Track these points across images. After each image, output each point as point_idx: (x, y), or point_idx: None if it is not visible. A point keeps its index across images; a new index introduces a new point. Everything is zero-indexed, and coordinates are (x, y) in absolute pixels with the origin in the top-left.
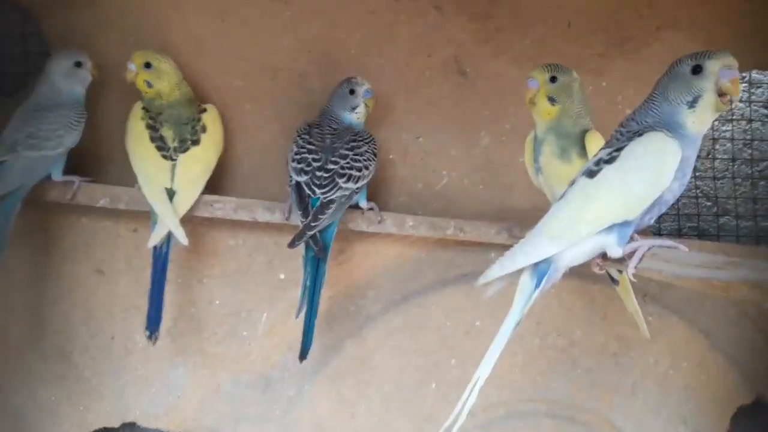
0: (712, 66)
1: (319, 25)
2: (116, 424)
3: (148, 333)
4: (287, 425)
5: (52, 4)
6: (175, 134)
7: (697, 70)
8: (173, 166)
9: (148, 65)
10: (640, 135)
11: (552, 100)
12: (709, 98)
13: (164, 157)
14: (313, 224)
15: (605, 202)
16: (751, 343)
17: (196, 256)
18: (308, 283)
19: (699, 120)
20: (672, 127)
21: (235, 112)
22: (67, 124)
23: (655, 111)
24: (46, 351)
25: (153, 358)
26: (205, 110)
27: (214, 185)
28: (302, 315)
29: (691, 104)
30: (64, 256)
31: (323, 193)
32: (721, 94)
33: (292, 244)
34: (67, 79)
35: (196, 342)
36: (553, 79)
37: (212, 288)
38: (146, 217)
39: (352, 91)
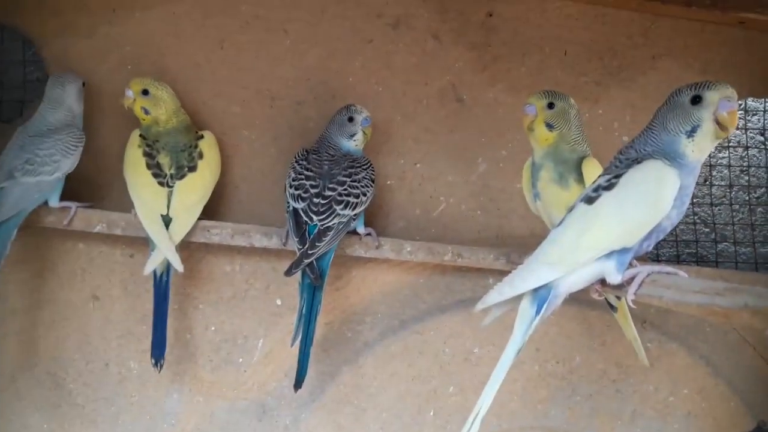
0: (712, 97)
1: (317, 53)
2: None
3: (153, 361)
4: None
5: (52, 32)
6: (172, 161)
7: (696, 100)
8: (169, 193)
9: (145, 92)
10: (639, 162)
11: (549, 126)
12: (707, 128)
13: (161, 183)
14: (310, 252)
15: (603, 229)
16: (752, 370)
17: (193, 281)
18: (304, 311)
19: (698, 149)
20: (671, 156)
21: (233, 139)
22: (64, 149)
23: (653, 140)
24: (39, 377)
25: (148, 384)
26: (202, 137)
27: (211, 211)
28: (297, 343)
29: (690, 134)
30: (61, 282)
31: (321, 220)
32: (719, 124)
33: (289, 272)
34: (78, 101)
35: (191, 368)
36: (550, 105)
37: (208, 314)
38: (143, 243)
39: (350, 119)
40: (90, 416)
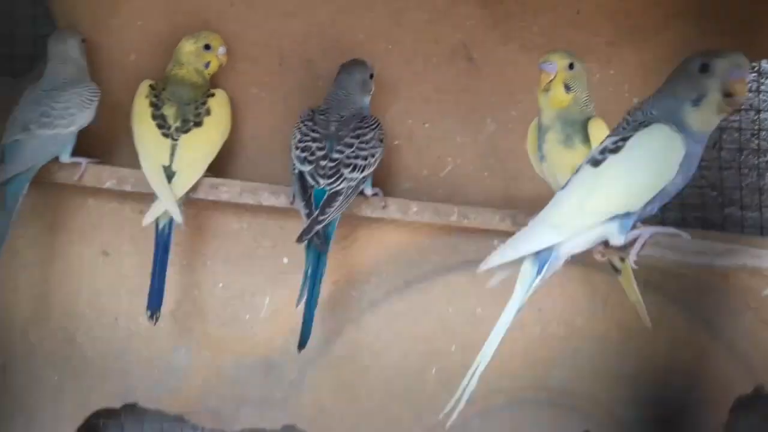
0: (720, 65)
1: (327, 10)
2: (118, 405)
3: (149, 312)
4: (289, 408)
5: None
6: (178, 113)
7: (704, 68)
8: (174, 146)
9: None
10: (646, 126)
11: (567, 87)
12: (713, 98)
13: (164, 135)
14: (320, 218)
15: (608, 194)
16: (752, 333)
17: (201, 238)
18: (309, 273)
19: (702, 119)
20: (676, 123)
21: (242, 96)
22: (80, 103)
23: (661, 104)
24: (50, 331)
25: (156, 339)
26: (213, 94)
27: (220, 169)
28: (302, 304)
29: (695, 102)
30: (71, 237)
31: (329, 185)
32: (726, 94)
33: (300, 239)
34: (82, 55)
35: (199, 324)
36: (571, 66)
37: (216, 271)
38: (152, 199)
39: (371, 76)
40: (100, 370)
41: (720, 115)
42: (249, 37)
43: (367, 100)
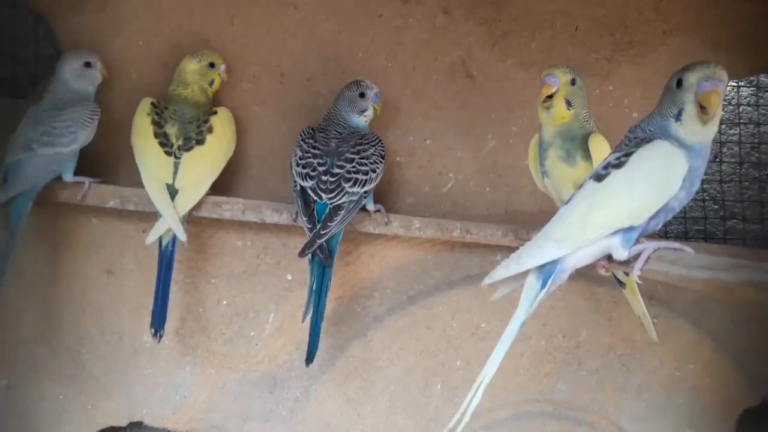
0: (690, 78)
1: (327, 28)
2: (123, 423)
3: (153, 331)
4: (294, 424)
5: (64, 8)
6: (180, 132)
7: (679, 83)
8: (176, 164)
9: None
10: (648, 142)
11: (569, 103)
12: (690, 110)
13: (167, 153)
14: (322, 232)
15: (611, 208)
16: (758, 346)
17: (204, 256)
18: (314, 287)
19: (689, 131)
20: (672, 139)
21: (244, 115)
22: (80, 121)
23: (654, 122)
24: (55, 349)
25: (161, 357)
26: (215, 112)
27: (223, 187)
28: (308, 319)
29: (677, 117)
30: (75, 256)
31: (330, 199)
32: (701, 106)
33: (302, 254)
34: (78, 79)
35: (203, 342)
36: (573, 82)
37: (220, 288)
38: (155, 218)
39: (362, 95)
40: (105, 388)
41: (707, 126)
42: (250, 56)
43: (357, 118)
